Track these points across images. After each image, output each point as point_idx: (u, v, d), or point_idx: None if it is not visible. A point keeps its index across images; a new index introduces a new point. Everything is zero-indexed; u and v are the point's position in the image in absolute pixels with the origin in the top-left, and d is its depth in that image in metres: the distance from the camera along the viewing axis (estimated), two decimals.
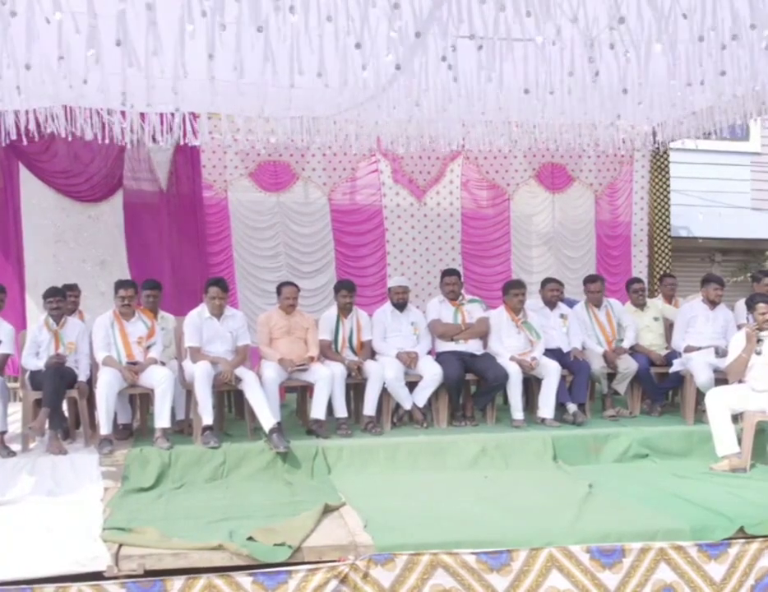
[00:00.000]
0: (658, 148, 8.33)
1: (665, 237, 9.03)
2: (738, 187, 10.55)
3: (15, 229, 7.80)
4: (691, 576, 3.91)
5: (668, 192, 9.05)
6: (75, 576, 3.53)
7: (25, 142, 6.58)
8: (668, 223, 9.06)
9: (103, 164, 7.91)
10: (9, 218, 7.79)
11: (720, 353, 5.84)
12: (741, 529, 4.03)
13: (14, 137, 6.41)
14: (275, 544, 3.72)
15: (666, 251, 9.03)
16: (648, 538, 3.94)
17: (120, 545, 3.73)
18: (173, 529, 3.92)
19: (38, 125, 6.35)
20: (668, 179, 9.04)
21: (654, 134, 7.99)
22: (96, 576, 3.56)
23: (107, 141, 6.67)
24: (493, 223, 8.79)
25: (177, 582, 3.53)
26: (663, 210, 9.02)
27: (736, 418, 5.39)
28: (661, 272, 8.77)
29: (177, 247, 8.06)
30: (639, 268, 9.00)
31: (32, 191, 7.82)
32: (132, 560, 3.64)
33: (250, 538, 3.76)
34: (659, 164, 9.00)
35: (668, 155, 9.00)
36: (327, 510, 4.23)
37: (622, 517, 4.19)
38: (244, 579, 3.57)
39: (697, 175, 10.27)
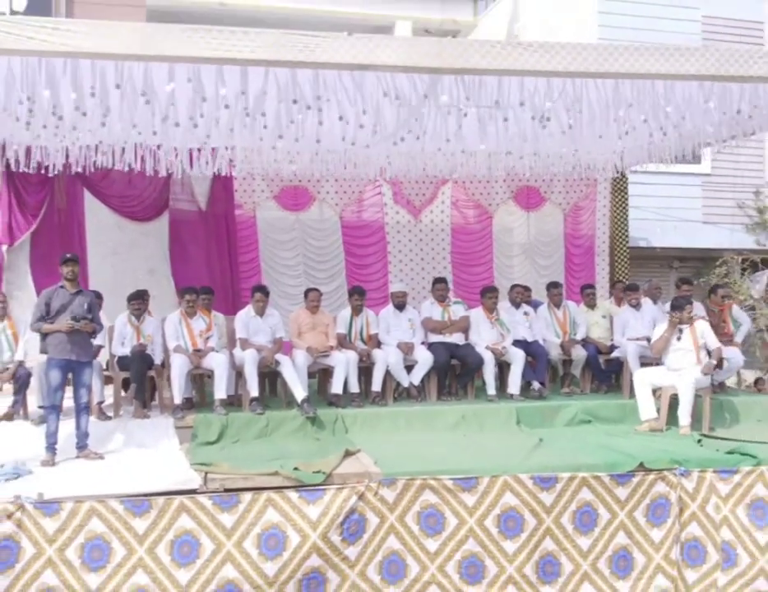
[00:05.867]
0: (618, 173, 9.97)
1: (624, 248, 10.65)
2: (692, 203, 12.20)
3: (80, 243, 9.24)
4: (604, 497, 5.55)
5: (627, 210, 10.67)
6: (177, 493, 5.15)
7: (88, 172, 8.01)
8: (627, 236, 10.68)
9: (152, 190, 9.38)
10: (74, 234, 9.24)
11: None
12: (641, 465, 5.67)
13: (79, 169, 7.79)
14: (314, 472, 5.36)
15: (625, 259, 10.65)
16: (575, 471, 5.58)
17: (206, 473, 5.37)
18: (240, 466, 5.56)
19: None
20: (626, 199, 10.67)
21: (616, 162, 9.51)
22: (191, 493, 5.18)
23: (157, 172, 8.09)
24: (478, 237, 10.41)
25: (246, 496, 5.15)
26: (622, 225, 10.63)
27: (656, 392, 7.04)
28: (621, 278, 10.42)
29: (213, 258, 9.62)
30: (602, 274, 10.62)
31: (94, 212, 9.27)
32: (215, 482, 5.28)
33: (296, 468, 5.40)
34: (618, 186, 10.62)
35: (627, 179, 10.61)
36: (347, 454, 5.86)
37: (559, 458, 5.83)
38: (293, 494, 5.19)
39: (656, 194, 11.86)
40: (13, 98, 5.78)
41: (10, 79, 5.47)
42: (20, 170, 7.97)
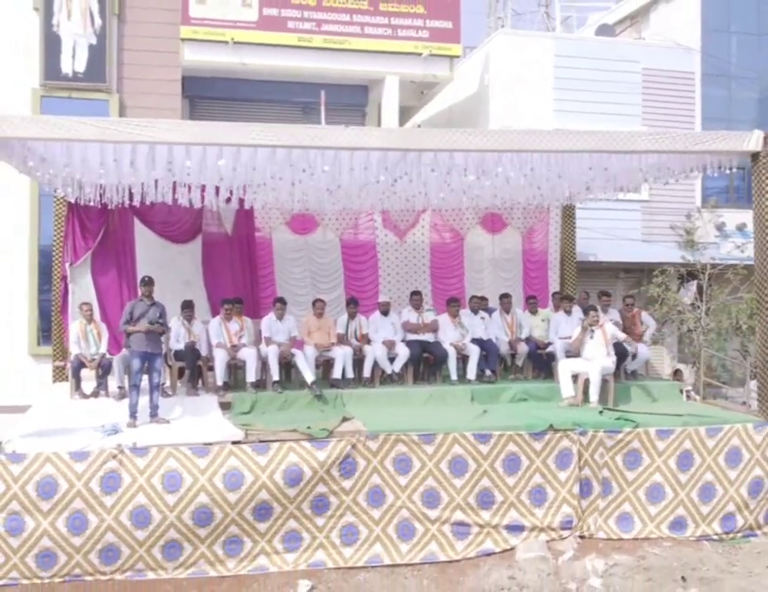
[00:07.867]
0: (566, 204, 12.32)
1: (572, 263, 12.91)
2: (633, 225, 14.58)
3: (131, 260, 11.43)
4: (525, 449, 7.89)
5: (574, 232, 12.92)
6: (227, 442, 7.50)
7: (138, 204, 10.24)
8: (574, 253, 12.95)
9: (189, 218, 11.48)
10: (127, 253, 11.41)
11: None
12: (551, 426, 8.02)
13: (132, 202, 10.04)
14: (321, 429, 7.71)
15: (573, 272, 12.92)
16: (504, 430, 7.92)
17: (246, 430, 7.73)
18: (269, 426, 7.91)
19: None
20: (574, 223, 12.93)
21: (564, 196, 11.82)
22: (237, 443, 7.52)
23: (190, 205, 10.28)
24: (452, 254, 12.64)
25: (275, 444, 7.49)
26: (570, 244, 12.89)
27: (576, 377, 9.39)
28: (568, 288, 12.69)
29: (237, 272, 11.74)
30: (554, 285, 12.86)
31: (143, 235, 11.38)
32: (253, 435, 7.64)
33: (308, 427, 7.75)
34: (568, 213, 12.91)
35: (574, 206, 12.90)
36: (344, 419, 8.21)
37: (495, 422, 8.18)
38: (306, 444, 7.55)
39: (604, 217, 14.21)
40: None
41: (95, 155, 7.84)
42: (83, 203, 10.19)
